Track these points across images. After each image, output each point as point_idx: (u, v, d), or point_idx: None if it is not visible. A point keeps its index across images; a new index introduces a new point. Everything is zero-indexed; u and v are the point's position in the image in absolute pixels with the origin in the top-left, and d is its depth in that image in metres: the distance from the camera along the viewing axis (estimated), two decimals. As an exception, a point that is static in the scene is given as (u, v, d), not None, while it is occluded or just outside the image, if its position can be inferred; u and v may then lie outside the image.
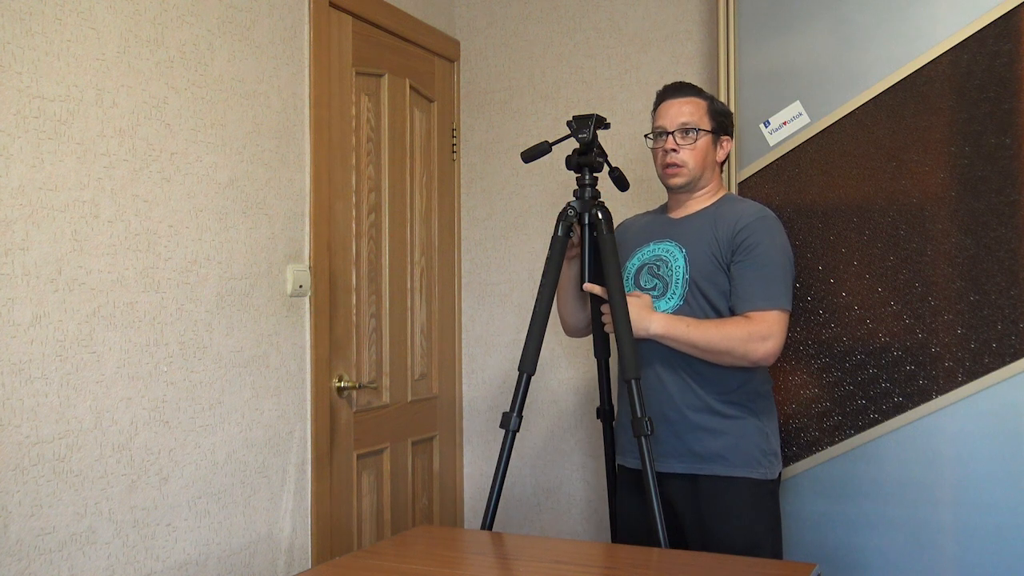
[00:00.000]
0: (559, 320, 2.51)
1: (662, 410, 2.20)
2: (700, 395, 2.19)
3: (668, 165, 2.26)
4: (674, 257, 2.23)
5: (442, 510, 3.21)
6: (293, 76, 2.51)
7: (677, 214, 2.33)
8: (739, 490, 2.16)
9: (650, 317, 2.17)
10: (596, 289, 2.23)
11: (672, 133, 2.25)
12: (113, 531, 1.98)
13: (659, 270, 2.25)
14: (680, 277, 2.21)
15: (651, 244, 2.30)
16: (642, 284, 2.27)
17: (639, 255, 2.31)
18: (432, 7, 3.21)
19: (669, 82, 2.36)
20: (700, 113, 2.25)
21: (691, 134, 2.24)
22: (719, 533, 2.15)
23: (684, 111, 2.25)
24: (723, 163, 2.34)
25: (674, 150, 2.24)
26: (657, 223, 2.36)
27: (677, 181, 2.27)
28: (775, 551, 2.21)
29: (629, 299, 2.17)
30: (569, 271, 2.36)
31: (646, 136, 2.35)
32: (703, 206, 2.29)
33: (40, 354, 1.83)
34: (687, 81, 2.36)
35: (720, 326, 2.13)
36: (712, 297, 2.18)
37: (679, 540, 2.23)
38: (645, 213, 2.49)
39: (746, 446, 2.18)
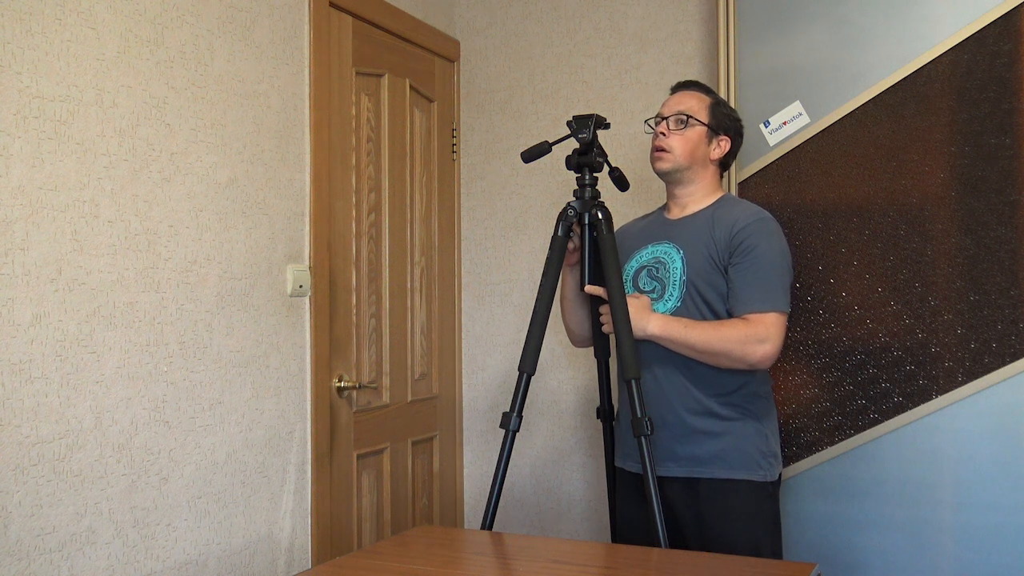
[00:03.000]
0: (564, 331, 2.51)
1: (660, 414, 2.20)
2: (698, 398, 2.18)
3: (656, 149, 2.28)
4: (671, 259, 2.23)
5: (442, 510, 3.21)
6: (293, 76, 2.51)
7: (674, 215, 2.32)
8: (739, 493, 2.16)
9: (648, 318, 2.16)
10: (598, 291, 2.22)
11: (667, 119, 2.27)
12: (113, 531, 1.98)
13: (657, 272, 2.25)
14: (678, 279, 2.21)
15: (649, 246, 2.30)
16: (640, 286, 2.27)
17: (637, 257, 2.31)
18: (432, 7, 3.21)
19: (669, 82, 2.37)
20: (700, 107, 2.27)
21: (684, 123, 2.25)
22: (719, 536, 2.15)
23: (684, 102, 2.28)
24: (722, 164, 2.33)
25: (663, 134, 2.26)
26: (655, 225, 2.36)
27: (661, 166, 2.28)
28: (775, 554, 2.21)
29: (628, 300, 2.17)
30: (571, 279, 2.37)
31: (646, 122, 2.37)
32: (700, 207, 2.29)
33: (40, 354, 1.83)
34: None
35: (717, 328, 2.12)
36: (709, 298, 2.18)
37: (679, 544, 2.23)
38: (643, 216, 2.48)
39: (746, 448, 2.17)
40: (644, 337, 2.17)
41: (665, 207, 2.38)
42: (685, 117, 2.25)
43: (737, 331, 2.11)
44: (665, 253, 2.25)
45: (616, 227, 2.31)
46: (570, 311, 2.42)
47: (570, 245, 2.29)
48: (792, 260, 2.25)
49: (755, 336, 2.10)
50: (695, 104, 2.27)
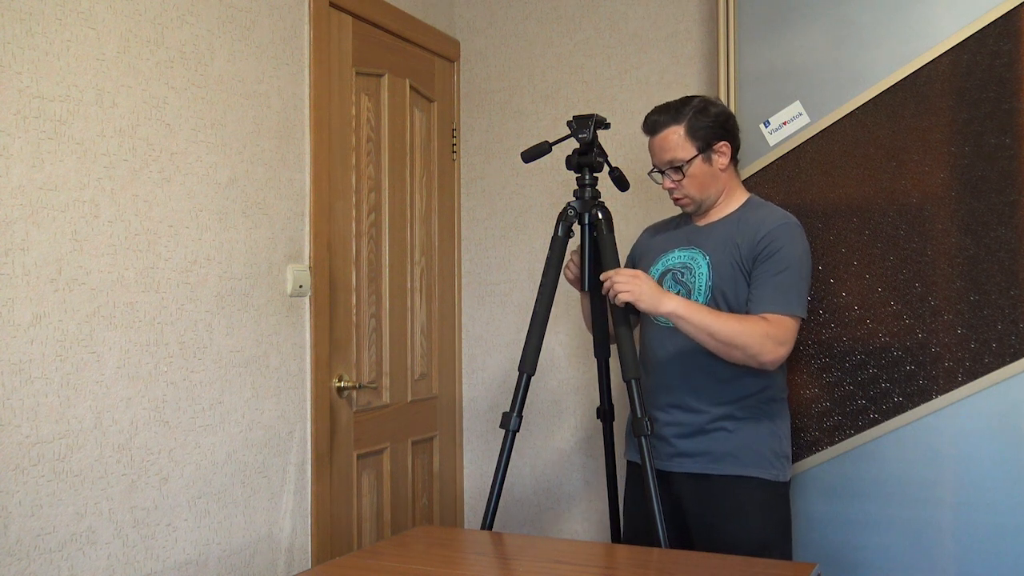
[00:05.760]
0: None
1: (680, 414, 2.21)
2: (718, 400, 2.19)
3: (675, 200, 2.29)
4: (698, 264, 2.23)
5: (442, 510, 3.21)
6: (293, 76, 2.51)
7: (701, 221, 2.31)
8: (751, 490, 2.17)
9: (662, 294, 2.11)
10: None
11: (664, 173, 2.25)
12: (113, 531, 1.98)
13: (683, 276, 2.24)
14: (703, 284, 2.20)
15: (675, 251, 2.29)
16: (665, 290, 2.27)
17: (663, 261, 2.30)
18: (432, 7, 3.21)
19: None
20: (680, 142, 2.21)
21: (679, 170, 2.22)
22: (729, 533, 2.15)
23: (665, 147, 2.23)
24: (734, 162, 2.30)
25: (672, 188, 2.25)
26: (682, 231, 2.34)
27: (688, 210, 2.31)
28: (784, 554, 2.20)
29: (633, 275, 2.11)
30: (587, 303, 2.42)
31: (649, 174, 2.33)
32: (726, 212, 2.28)
33: (40, 354, 1.83)
34: (683, 91, 2.32)
35: (741, 321, 2.11)
36: (734, 304, 2.17)
37: (686, 540, 2.23)
38: (669, 220, 2.46)
39: (758, 446, 2.18)
40: (657, 313, 2.12)
41: (689, 219, 2.37)
42: (677, 165, 2.21)
43: (759, 328, 2.09)
44: (691, 258, 2.25)
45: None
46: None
47: (568, 273, 2.34)
48: (812, 265, 2.24)
49: (775, 336, 2.10)
50: (675, 143, 2.21)
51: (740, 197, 2.29)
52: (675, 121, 2.21)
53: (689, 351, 2.19)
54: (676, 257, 2.28)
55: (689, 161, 2.20)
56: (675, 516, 2.22)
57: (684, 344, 2.19)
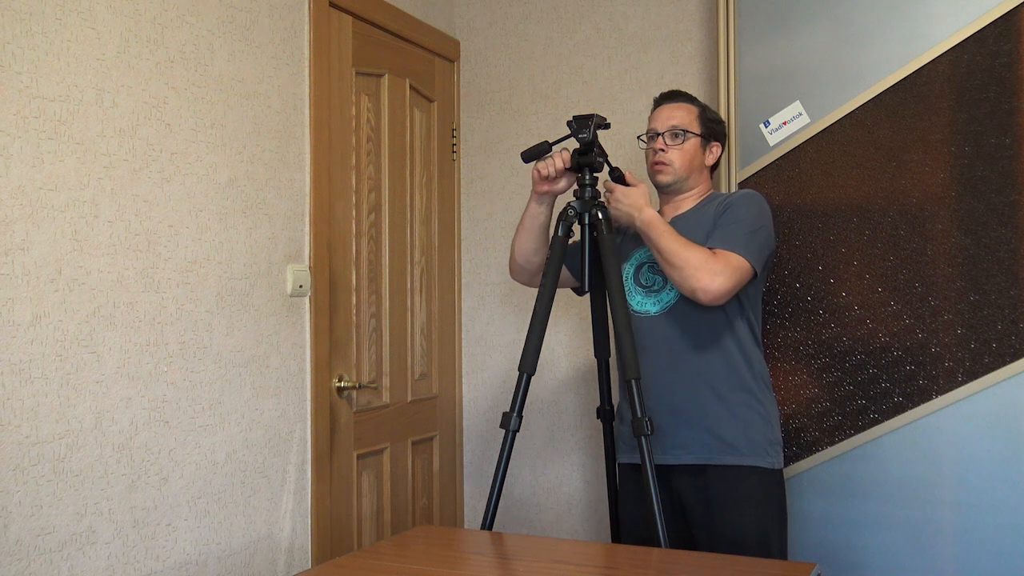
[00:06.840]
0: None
1: (673, 402, 2.23)
2: (711, 386, 2.22)
3: (656, 163, 2.35)
4: None
5: (442, 510, 3.21)
6: (293, 76, 2.51)
7: (668, 214, 2.38)
8: (749, 479, 2.20)
9: (646, 208, 2.22)
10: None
11: (662, 134, 2.33)
12: (113, 531, 1.98)
13: (658, 268, 2.28)
14: None
15: None
16: (643, 282, 2.32)
17: (638, 255, 2.36)
18: (432, 7, 3.21)
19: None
20: (691, 118, 2.34)
21: (680, 136, 2.32)
22: (729, 523, 2.17)
23: (675, 115, 2.34)
24: (713, 169, 2.42)
25: (662, 150, 2.33)
26: None
27: (663, 179, 2.35)
28: (781, 542, 2.23)
29: (625, 194, 2.25)
30: (535, 208, 2.34)
31: (639, 137, 2.44)
32: (692, 205, 2.36)
33: (40, 354, 1.83)
34: (683, 89, 2.45)
35: (687, 245, 2.16)
36: None
37: (686, 534, 2.24)
38: None
39: (754, 435, 2.22)
40: (630, 220, 2.25)
41: (661, 211, 2.42)
42: (680, 131, 2.32)
43: (700, 256, 2.14)
44: None
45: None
46: (523, 240, 2.40)
47: (550, 171, 2.26)
48: (772, 231, 2.28)
49: (713, 267, 2.12)
50: (686, 116, 2.34)
51: (707, 193, 2.39)
52: (691, 103, 2.38)
53: (676, 339, 2.24)
54: (648, 251, 2.31)
55: (692, 134, 2.32)
56: (673, 508, 2.24)
57: (671, 333, 2.24)
